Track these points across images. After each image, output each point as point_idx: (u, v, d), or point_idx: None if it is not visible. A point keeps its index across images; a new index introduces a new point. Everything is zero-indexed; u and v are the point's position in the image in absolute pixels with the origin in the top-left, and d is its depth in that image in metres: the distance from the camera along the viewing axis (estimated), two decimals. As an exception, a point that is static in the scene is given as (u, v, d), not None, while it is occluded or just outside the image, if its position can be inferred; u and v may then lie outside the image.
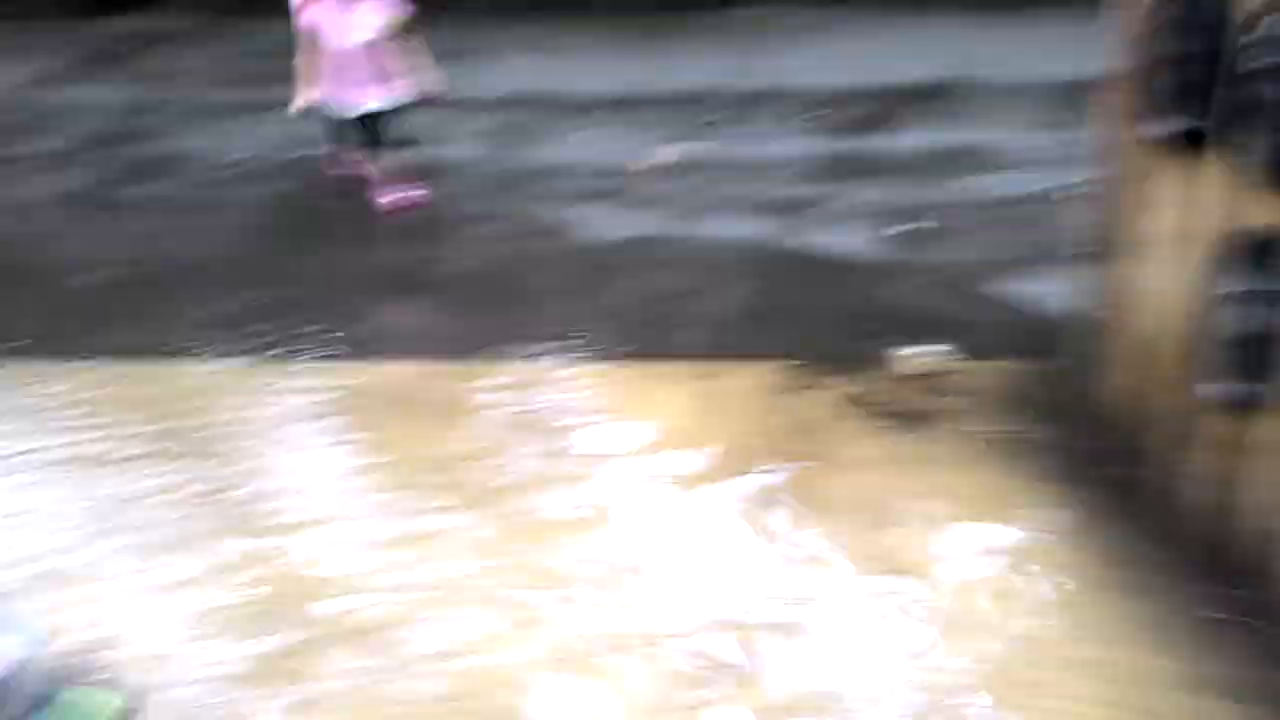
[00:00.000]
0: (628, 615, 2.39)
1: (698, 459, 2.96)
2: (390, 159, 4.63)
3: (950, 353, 3.46)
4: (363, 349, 3.54)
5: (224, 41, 8.29)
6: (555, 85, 6.91)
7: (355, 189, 4.63)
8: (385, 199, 4.63)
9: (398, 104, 4.51)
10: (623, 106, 6.47)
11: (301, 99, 4.44)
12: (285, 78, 6.91)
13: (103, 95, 6.68)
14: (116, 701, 2.01)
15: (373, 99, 4.44)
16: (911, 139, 5.44)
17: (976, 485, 2.85)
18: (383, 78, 4.41)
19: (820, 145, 5.43)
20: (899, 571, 2.55)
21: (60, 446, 2.94)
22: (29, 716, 1.60)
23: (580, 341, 3.61)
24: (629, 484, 2.85)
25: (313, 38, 4.36)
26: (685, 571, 2.54)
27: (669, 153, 5.59)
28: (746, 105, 6.06)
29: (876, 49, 6.69)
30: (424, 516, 2.70)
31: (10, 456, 2.95)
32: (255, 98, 6.60)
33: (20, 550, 2.52)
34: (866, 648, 2.34)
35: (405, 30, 4.38)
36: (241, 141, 5.71)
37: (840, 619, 2.42)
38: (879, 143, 5.44)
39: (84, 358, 3.43)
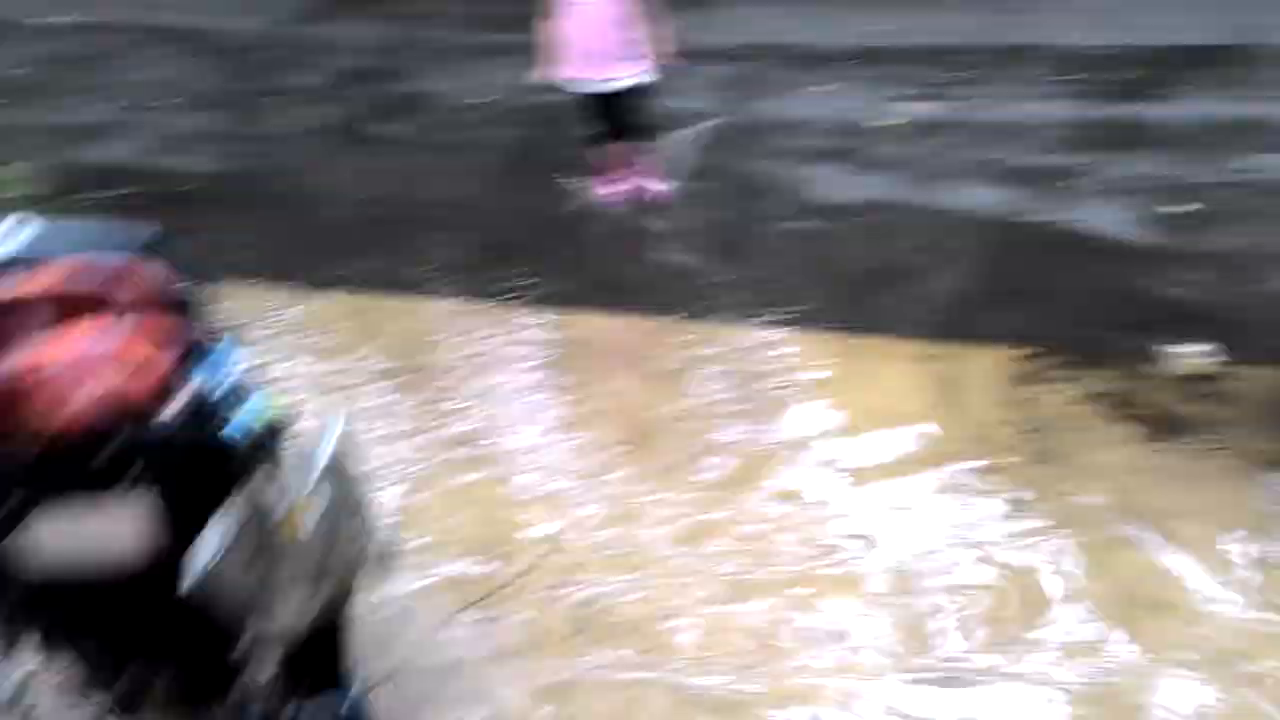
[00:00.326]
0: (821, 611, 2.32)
1: (915, 445, 2.82)
2: (634, 145, 4.28)
3: (1217, 353, 3.11)
4: (585, 299, 3.59)
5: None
6: (793, 37, 6.71)
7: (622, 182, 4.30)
8: (614, 189, 4.29)
9: (647, 81, 4.05)
10: (864, 60, 6.19)
11: (541, 70, 4.19)
12: (528, 21, 7.15)
13: (359, 32, 7.07)
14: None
15: (621, 75, 3.99)
16: (1184, 108, 4.90)
17: (1239, 506, 2.56)
18: (632, 51, 3.95)
19: (1078, 110, 4.99)
20: (1146, 605, 2.30)
21: (298, 368, 3.16)
22: None
23: (800, 308, 3.51)
24: (840, 465, 2.76)
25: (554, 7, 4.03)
26: (889, 576, 2.43)
27: (909, 111, 5.32)
28: (999, 63, 5.65)
29: (1150, 5, 6.06)
30: (636, 484, 2.72)
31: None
32: (503, 40, 6.80)
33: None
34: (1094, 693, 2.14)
35: None
36: (486, 84, 5.89)
37: (1068, 662, 2.17)
38: (1146, 111, 4.93)
39: (324, 286, 3.65)
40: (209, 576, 1.44)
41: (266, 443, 1.53)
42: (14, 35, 6.92)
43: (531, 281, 3.68)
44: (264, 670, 1.68)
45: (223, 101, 5.64)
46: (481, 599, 2.28)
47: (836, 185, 4.49)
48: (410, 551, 2.40)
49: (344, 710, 1.84)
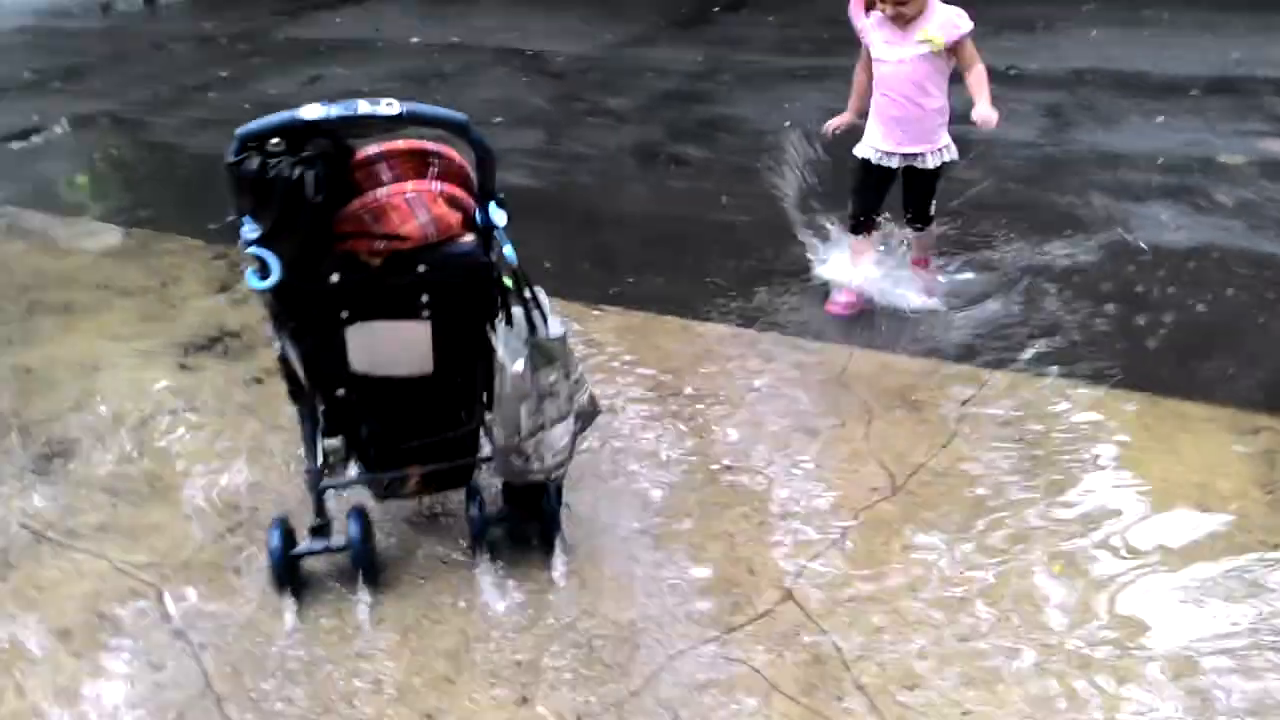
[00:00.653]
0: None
1: (1222, 529, 2.39)
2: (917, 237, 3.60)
3: None
4: (855, 337, 3.41)
5: (796, 7, 8.61)
6: (1124, 63, 6.10)
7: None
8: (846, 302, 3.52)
9: (948, 163, 3.40)
10: (1204, 91, 5.49)
11: (836, 121, 3.54)
12: (844, 45, 7.05)
13: (678, 56, 7.29)
14: None
15: (926, 152, 3.32)
16: None
17: None
18: (934, 125, 3.29)
19: None
20: None
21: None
22: None
23: (1104, 362, 3.11)
24: (1132, 542, 2.39)
25: (866, 54, 3.38)
26: (1169, 665, 2.06)
27: (1253, 148, 4.62)
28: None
29: None
30: (892, 536, 2.53)
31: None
32: (813, 64, 6.76)
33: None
34: None
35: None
36: (790, 109, 5.84)
37: None
38: None
39: (603, 302, 3.73)
40: (511, 379, 2.11)
41: (523, 279, 2.16)
42: (374, 53, 7.82)
43: (790, 311, 3.56)
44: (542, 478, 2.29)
45: (542, 120, 6.00)
46: (714, 638, 2.20)
47: (1160, 227, 3.97)
48: (648, 577, 2.38)
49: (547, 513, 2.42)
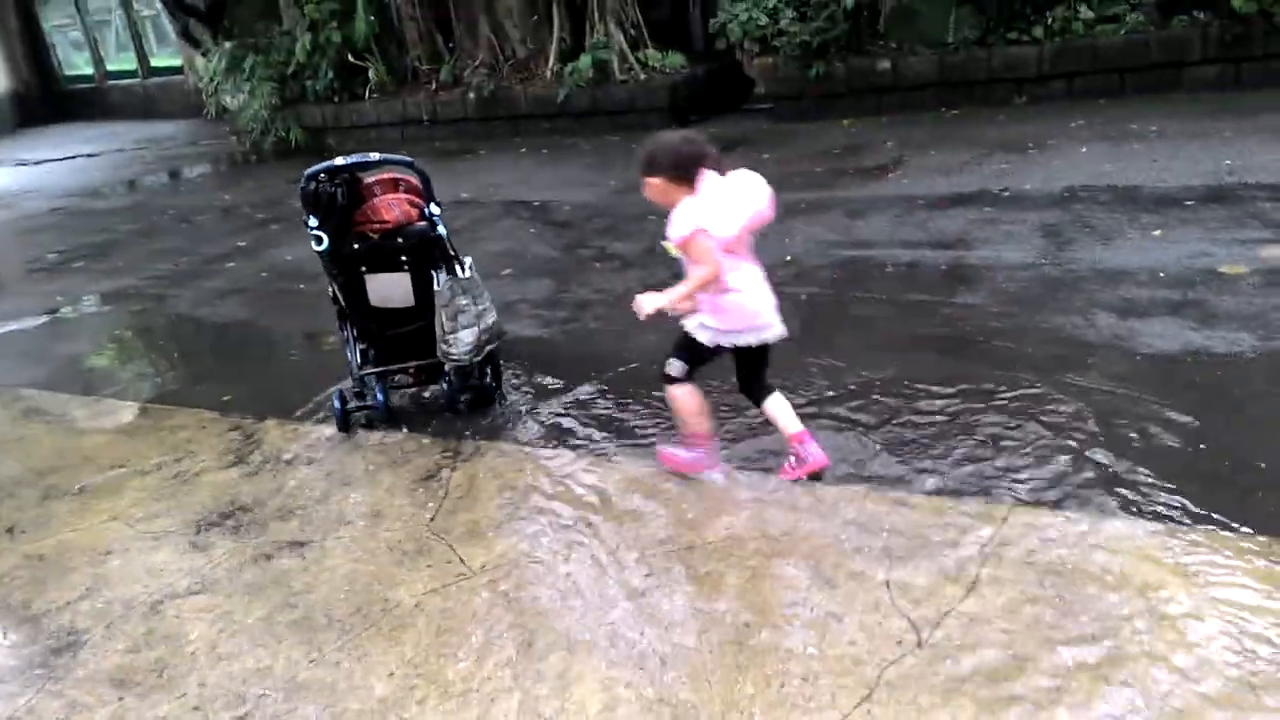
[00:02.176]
0: None
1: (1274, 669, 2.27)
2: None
3: None
4: (866, 473, 3.36)
5: (791, 143, 8.89)
6: (1116, 177, 6.20)
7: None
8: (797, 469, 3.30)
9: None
10: (1199, 201, 5.55)
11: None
12: (838, 177, 7.23)
13: (680, 198, 7.49)
14: None
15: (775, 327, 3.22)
16: None
17: None
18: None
19: None
20: None
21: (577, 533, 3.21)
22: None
23: (1125, 493, 3.04)
24: (1191, 690, 2.28)
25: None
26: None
27: (1255, 257, 4.63)
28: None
29: None
30: (919, 691, 2.42)
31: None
32: (810, 198, 6.92)
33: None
34: None
35: None
36: (793, 242, 5.94)
37: None
38: None
39: (622, 453, 3.72)
40: (440, 297, 3.90)
41: (453, 245, 4.01)
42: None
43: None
44: (460, 363, 3.97)
45: (550, 269, 6.12)
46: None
47: (1166, 343, 3.94)
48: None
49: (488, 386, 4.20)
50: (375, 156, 3.88)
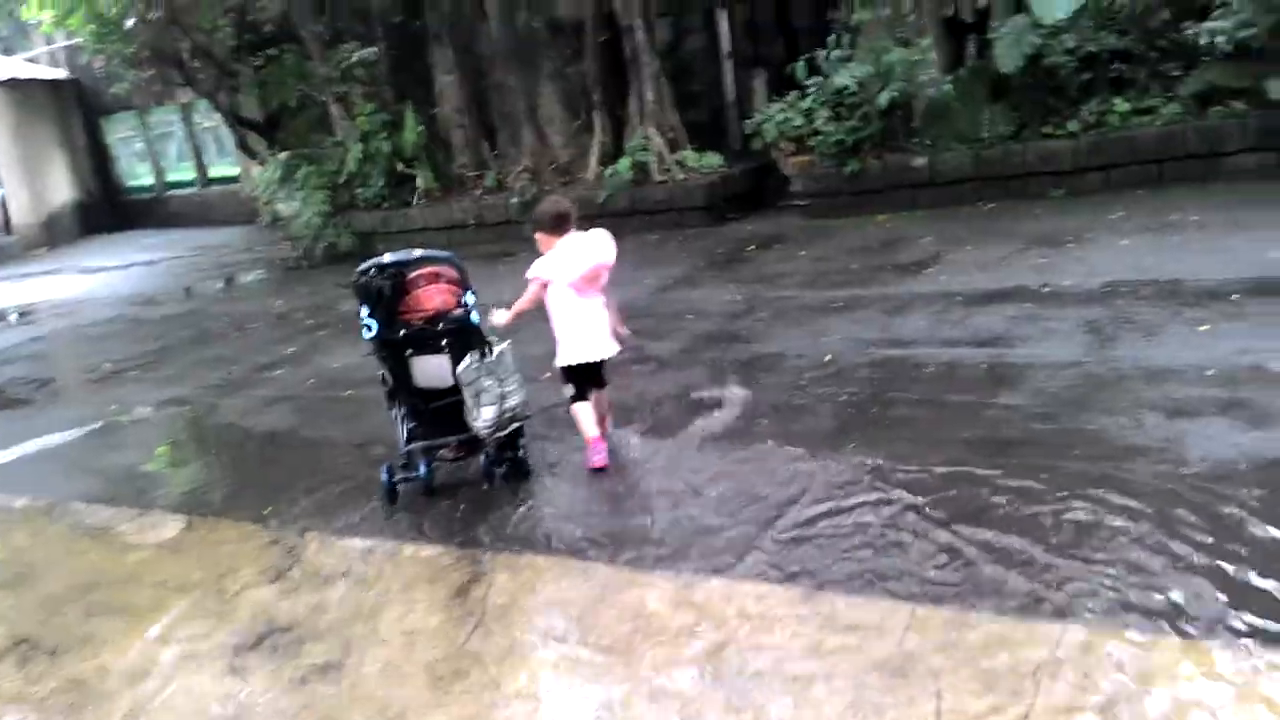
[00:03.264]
0: None
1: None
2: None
3: None
4: (903, 589, 3.27)
5: (827, 240, 8.96)
6: (1172, 269, 6.12)
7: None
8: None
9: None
10: (1246, 294, 5.46)
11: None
12: (875, 274, 7.25)
13: (718, 296, 7.55)
14: None
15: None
16: None
17: None
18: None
19: None
20: None
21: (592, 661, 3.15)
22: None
23: (1185, 607, 2.92)
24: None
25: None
26: None
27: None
28: None
29: None
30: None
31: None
32: (846, 295, 6.94)
33: None
34: None
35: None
36: (830, 340, 5.94)
37: None
38: None
39: (659, 567, 3.67)
40: (464, 376, 4.36)
41: (484, 331, 4.45)
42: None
43: (844, 568, 3.43)
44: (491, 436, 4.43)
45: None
46: None
47: (1220, 444, 3.83)
48: None
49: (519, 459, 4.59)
50: (418, 253, 4.43)
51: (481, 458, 4.53)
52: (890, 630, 3.02)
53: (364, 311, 4.37)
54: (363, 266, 4.38)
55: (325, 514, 4.53)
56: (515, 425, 4.52)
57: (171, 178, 19.88)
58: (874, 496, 3.86)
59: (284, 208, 12.70)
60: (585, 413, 4.63)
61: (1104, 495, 3.59)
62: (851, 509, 3.80)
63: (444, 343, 4.40)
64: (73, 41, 17.79)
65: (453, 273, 4.43)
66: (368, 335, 4.39)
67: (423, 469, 4.47)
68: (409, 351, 4.44)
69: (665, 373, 5.91)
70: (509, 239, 11.49)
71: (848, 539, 3.58)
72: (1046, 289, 6.23)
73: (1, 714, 3.34)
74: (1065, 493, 3.65)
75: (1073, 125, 8.87)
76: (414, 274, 4.41)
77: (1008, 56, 8.87)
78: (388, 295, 4.35)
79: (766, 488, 4.09)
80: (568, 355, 4.60)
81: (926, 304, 6.38)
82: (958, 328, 5.81)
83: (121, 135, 20.31)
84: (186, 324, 9.87)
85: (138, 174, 20.46)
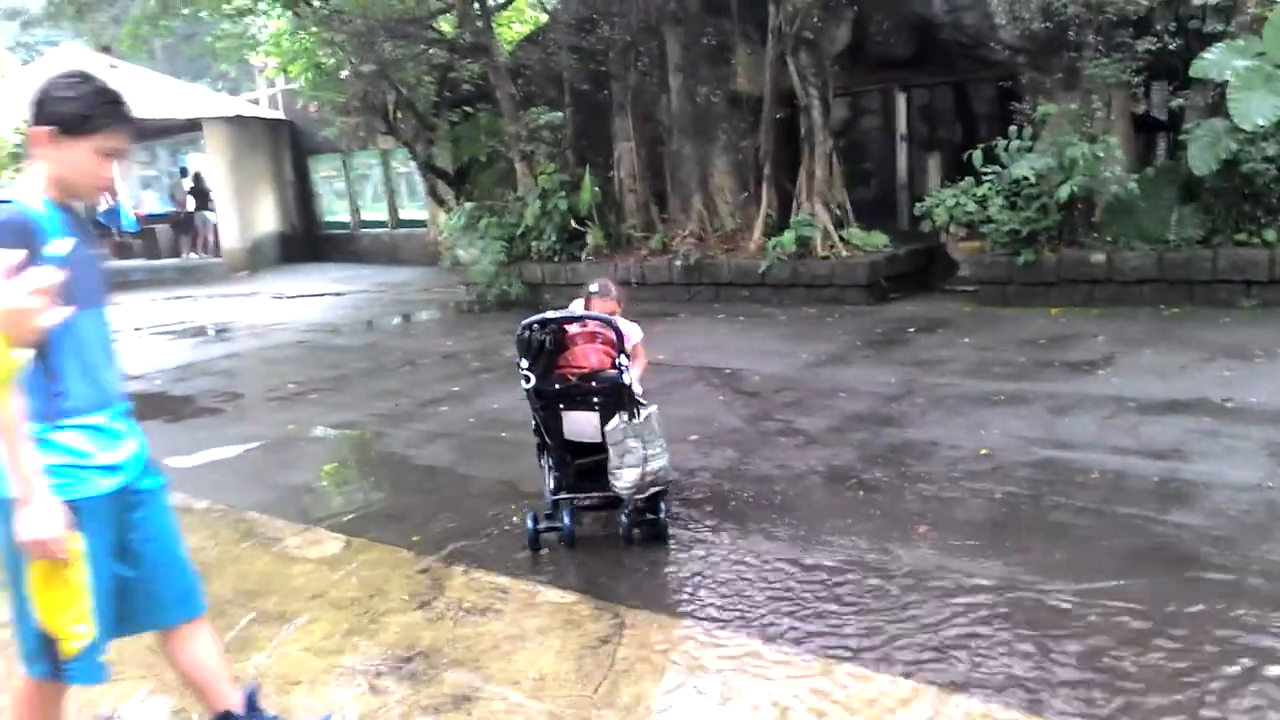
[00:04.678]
0: None
1: None
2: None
3: None
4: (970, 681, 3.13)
5: (993, 330, 8.73)
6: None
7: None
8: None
9: None
10: None
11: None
12: (1041, 370, 7.00)
13: (872, 377, 7.47)
14: None
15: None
16: None
17: None
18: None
19: None
20: None
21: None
22: None
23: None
24: None
25: None
26: None
27: None
28: None
29: None
30: None
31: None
32: (1006, 389, 6.73)
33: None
34: None
35: None
36: (989, 434, 5.78)
37: None
38: None
39: (774, 640, 3.65)
40: (611, 435, 4.47)
41: (630, 390, 4.51)
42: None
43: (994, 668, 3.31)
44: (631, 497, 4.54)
45: (734, 439, 6.21)
46: None
47: None
48: None
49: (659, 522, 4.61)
50: (580, 312, 4.70)
51: (621, 516, 4.63)
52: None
53: (524, 363, 4.56)
54: (527, 320, 4.58)
55: (473, 548, 4.73)
56: (655, 489, 4.58)
57: (365, 217, 21.32)
58: (1023, 610, 3.73)
59: (464, 254, 13.40)
60: None
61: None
62: (998, 614, 3.67)
63: (595, 400, 4.55)
64: (291, 86, 19.52)
65: (610, 334, 4.57)
66: (525, 385, 4.57)
67: (566, 520, 4.60)
68: (562, 405, 4.62)
69: (812, 449, 5.88)
70: (669, 299, 11.74)
71: (983, 646, 3.47)
72: (1230, 404, 5.88)
73: (164, 703, 3.63)
74: (1239, 627, 3.42)
75: (1269, 234, 8.38)
76: (574, 331, 4.67)
77: (1201, 159, 8.49)
78: (548, 349, 4.59)
79: (907, 581, 4.01)
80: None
81: (1096, 406, 6.12)
82: (1128, 435, 5.55)
83: (325, 174, 21.97)
84: (364, 355, 10.51)
85: (335, 211, 22.04)
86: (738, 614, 3.87)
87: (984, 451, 5.50)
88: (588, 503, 4.79)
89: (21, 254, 1.47)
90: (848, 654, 3.49)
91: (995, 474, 5.15)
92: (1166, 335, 7.75)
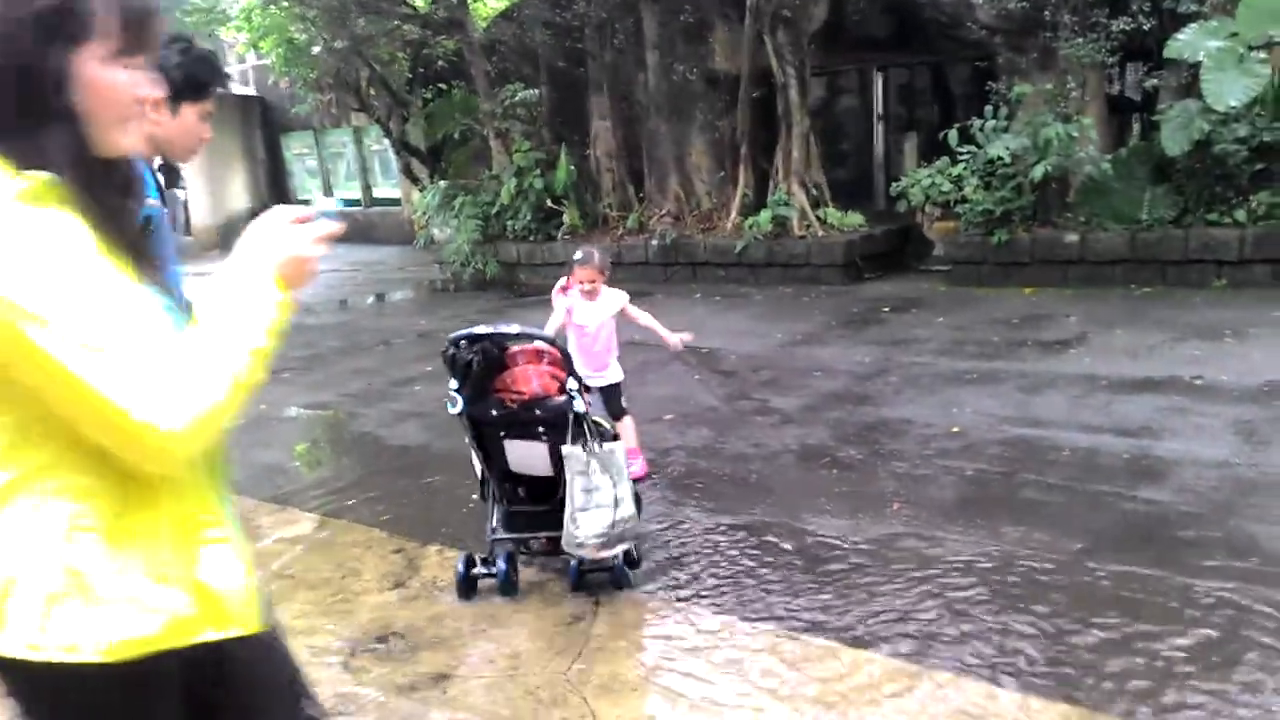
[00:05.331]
0: None
1: None
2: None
3: None
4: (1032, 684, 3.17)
5: (967, 309, 8.78)
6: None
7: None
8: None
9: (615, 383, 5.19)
10: None
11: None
12: (1015, 349, 7.05)
13: (847, 356, 7.50)
14: None
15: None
16: None
17: None
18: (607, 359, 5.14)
19: None
20: None
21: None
22: None
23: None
24: None
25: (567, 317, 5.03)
26: None
27: None
28: None
29: None
30: None
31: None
32: (980, 367, 6.77)
33: None
34: None
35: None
36: (961, 413, 5.81)
37: None
38: None
39: (756, 619, 3.67)
40: (572, 462, 3.76)
41: (587, 419, 3.83)
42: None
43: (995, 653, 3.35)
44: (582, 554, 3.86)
45: (710, 418, 6.22)
46: None
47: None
48: None
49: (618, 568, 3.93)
50: (516, 329, 3.91)
51: (572, 562, 3.92)
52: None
53: (452, 384, 3.85)
54: (453, 335, 3.85)
55: (447, 529, 4.71)
56: (624, 546, 3.90)
57: (338, 195, 21.12)
58: (989, 585, 3.76)
59: (438, 233, 13.31)
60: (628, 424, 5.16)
61: (1251, 605, 3.39)
62: (967, 588, 3.71)
63: (540, 430, 3.89)
64: (262, 62, 19.23)
65: (557, 354, 3.91)
66: (452, 410, 3.84)
67: (502, 565, 3.94)
68: (502, 433, 3.95)
69: (787, 427, 5.90)
70: (645, 279, 11.71)
71: (952, 619, 3.50)
72: (1199, 382, 5.95)
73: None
74: (1205, 601, 3.47)
75: (1240, 214, 8.46)
76: (515, 349, 3.92)
77: (1174, 140, 8.55)
78: (475, 370, 3.85)
79: (879, 553, 4.04)
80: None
81: (1067, 385, 6.18)
82: (1099, 414, 5.60)
83: (297, 152, 21.72)
84: (338, 334, 10.43)
85: (308, 189, 21.81)
86: (712, 591, 3.88)
87: (955, 429, 5.53)
88: (535, 546, 4.12)
89: (311, 207, 1.53)
90: (821, 629, 3.51)
91: (967, 452, 5.19)
92: (1138, 315, 7.83)
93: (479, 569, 3.99)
